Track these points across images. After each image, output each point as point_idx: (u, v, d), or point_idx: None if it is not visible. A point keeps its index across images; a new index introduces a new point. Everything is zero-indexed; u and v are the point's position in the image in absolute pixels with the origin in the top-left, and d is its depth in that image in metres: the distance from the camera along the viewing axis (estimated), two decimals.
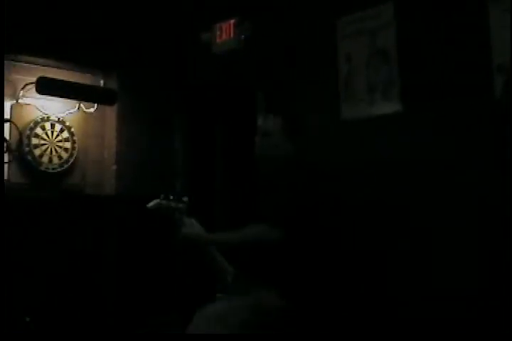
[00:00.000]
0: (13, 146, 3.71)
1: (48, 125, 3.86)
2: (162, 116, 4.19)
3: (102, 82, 4.11)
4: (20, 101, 3.75)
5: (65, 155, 3.91)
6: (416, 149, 2.82)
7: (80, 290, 3.71)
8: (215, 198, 4.11)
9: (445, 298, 2.65)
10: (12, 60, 3.70)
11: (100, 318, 3.71)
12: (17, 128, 3.73)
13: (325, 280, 2.65)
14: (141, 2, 4.10)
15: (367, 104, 3.04)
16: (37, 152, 3.79)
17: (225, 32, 3.79)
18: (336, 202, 2.88)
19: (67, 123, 3.95)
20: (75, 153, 3.95)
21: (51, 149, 3.86)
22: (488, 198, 2.56)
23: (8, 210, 3.40)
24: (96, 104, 4.05)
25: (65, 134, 3.93)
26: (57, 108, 3.93)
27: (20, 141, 3.74)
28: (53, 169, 3.85)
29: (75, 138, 3.96)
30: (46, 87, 3.70)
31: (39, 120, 3.83)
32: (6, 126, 3.68)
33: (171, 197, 2.68)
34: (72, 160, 3.94)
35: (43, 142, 3.83)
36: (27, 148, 3.75)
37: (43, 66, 3.83)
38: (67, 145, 3.93)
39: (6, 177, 3.64)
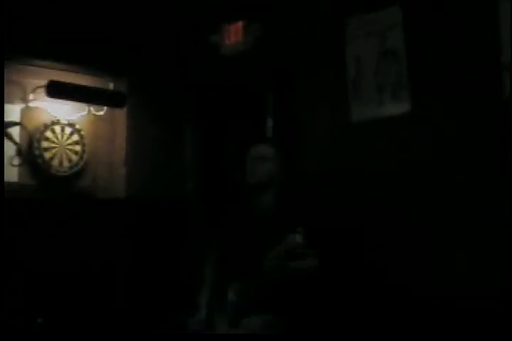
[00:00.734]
0: (24, 149, 3.73)
1: (57, 128, 3.88)
2: (172, 118, 4.19)
3: (111, 84, 4.12)
4: (30, 104, 3.77)
5: (75, 158, 3.92)
6: (426, 149, 2.81)
7: (91, 293, 3.72)
8: (228, 198, 4.10)
9: (445, 298, 2.64)
10: (22, 64, 3.71)
11: (111, 320, 3.72)
12: (27, 131, 3.75)
13: (325, 281, 2.66)
14: (150, 4, 4.11)
15: (376, 104, 3.04)
16: (47, 155, 3.81)
17: (234, 34, 3.79)
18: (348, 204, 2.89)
19: (77, 126, 3.96)
20: (85, 155, 3.96)
21: (61, 152, 3.87)
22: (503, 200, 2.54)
23: (19, 212, 3.42)
24: (105, 107, 4.06)
25: (75, 137, 3.95)
26: (67, 111, 3.94)
27: (30, 144, 3.75)
28: (64, 172, 3.87)
29: (84, 141, 3.97)
30: (56, 90, 3.71)
31: (49, 123, 3.84)
32: (16, 129, 3.69)
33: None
34: (82, 163, 3.94)
35: (53, 145, 3.84)
36: (37, 151, 3.76)
37: (53, 69, 3.83)
38: (77, 148, 3.94)
39: (16, 179, 3.66)
